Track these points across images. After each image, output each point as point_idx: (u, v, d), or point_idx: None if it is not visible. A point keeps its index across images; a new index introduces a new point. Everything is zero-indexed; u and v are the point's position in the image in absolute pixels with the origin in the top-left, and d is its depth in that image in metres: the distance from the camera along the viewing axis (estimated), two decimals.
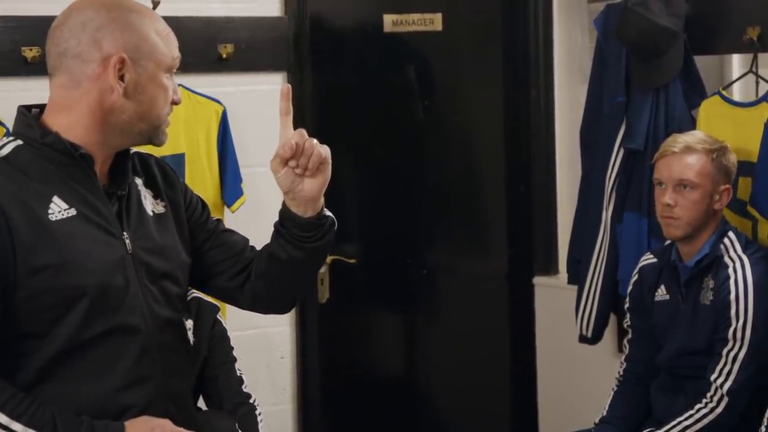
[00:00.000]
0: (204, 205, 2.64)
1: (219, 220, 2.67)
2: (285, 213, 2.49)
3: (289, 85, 2.46)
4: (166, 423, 2.35)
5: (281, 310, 2.71)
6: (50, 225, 2.26)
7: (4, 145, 2.34)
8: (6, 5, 3.92)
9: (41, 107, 2.40)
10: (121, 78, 2.32)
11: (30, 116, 2.36)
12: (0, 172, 2.29)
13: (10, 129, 3.81)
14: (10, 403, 2.23)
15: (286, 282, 2.58)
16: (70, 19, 2.35)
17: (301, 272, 2.57)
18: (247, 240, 2.66)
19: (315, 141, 2.41)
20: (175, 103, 2.42)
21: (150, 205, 2.47)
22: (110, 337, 2.31)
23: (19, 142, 2.33)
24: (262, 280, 2.56)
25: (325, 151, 2.42)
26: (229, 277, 2.59)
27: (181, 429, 2.36)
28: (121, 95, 2.32)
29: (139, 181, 2.47)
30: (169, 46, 2.38)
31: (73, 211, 2.30)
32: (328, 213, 2.51)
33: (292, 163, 2.40)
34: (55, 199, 2.29)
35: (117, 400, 2.32)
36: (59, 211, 2.28)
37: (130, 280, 2.35)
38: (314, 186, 2.43)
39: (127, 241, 2.36)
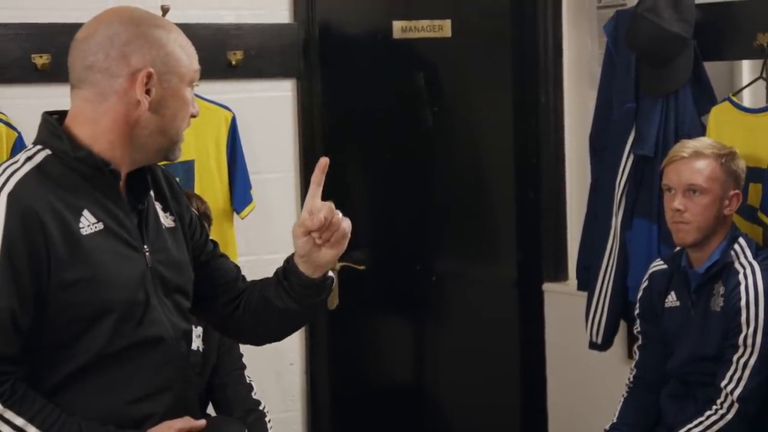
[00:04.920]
0: (203, 225, 2.66)
1: (216, 244, 2.68)
2: (291, 269, 2.52)
3: (327, 159, 2.47)
4: (186, 419, 2.37)
5: (258, 344, 2.79)
6: (81, 239, 2.27)
7: (35, 154, 2.33)
8: (16, 13, 3.93)
9: (60, 113, 2.40)
10: (147, 92, 2.32)
11: (57, 126, 2.35)
12: (36, 183, 2.28)
13: (22, 133, 3.85)
14: (40, 416, 2.24)
15: (275, 325, 2.63)
16: (97, 33, 2.34)
17: (292, 321, 2.64)
18: (239, 269, 2.69)
19: (340, 215, 2.44)
20: (193, 116, 2.43)
21: (161, 218, 2.48)
22: (136, 350, 2.33)
23: (48, 152, 2.33)
24: (251, 316, 2.59)
25: (347, 225, 2.46)
26: (221, 304, 2.62)
27: (202, 421, 2.39)
28: (147, 109, 2.33)
29: (151, 193, 2.48)
30: (191, 60, 2.39)
31: (100, 225, 2.31)
32: (331, 273, 2.54)
33: (315, 234, 2.43)
34: (86, 212, 2.30)
35: (137, 410, 2.34)
36: (89, 225, 2.29)
37: (149, 294, 2.36)
38: (330, 255, 2.47)
39: (147, 255, 2.38)
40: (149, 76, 2.32)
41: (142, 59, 2.32)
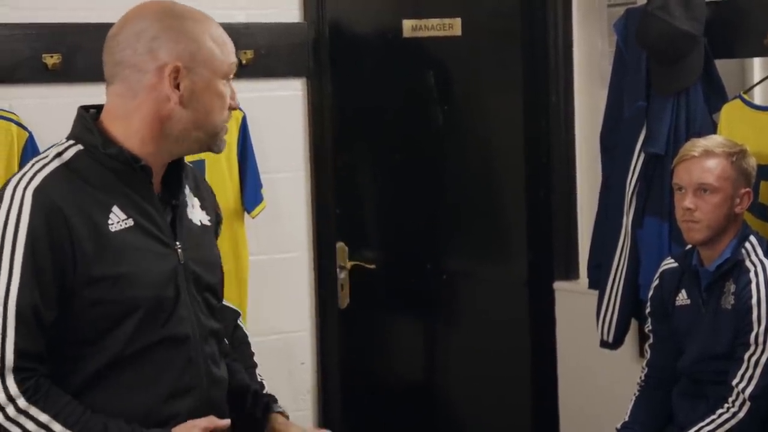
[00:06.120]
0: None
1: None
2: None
3: None
4: (211, 418, 2.37)
5: None
6: (109, 236, 2.28)
7: (65, 150, 2.34)
8: (26, 13, 3.94)
9: (98, 107, 2.40)
10: (177, 87, 2.32)
11: (90, 121, 2.36)
12: (63, 180, 2.29)
13: (33, 134, 3.87)
14: (64, 412, 2.25)
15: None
16: (125, 28, 2.34)
17: None
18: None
19: None
20: (232, 108, 2.42)
21: (198, 214, 2.49)
22: (159, 347, 2.33)
23: (80, 147, 2.34)
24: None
25: None
26: None
27: (227, 421, 2.40)
28: (177, 104, 2.33)
29: (187, 186, 2.48)
30: (225, 52, 2.38)
31: (130, 222, 2.31)
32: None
33: None
34: (115, 209, 2.31)
35: (163, 409, 2.34)
36: (118, 222, 2.30)
37: (180, 290, 2.37)
38: None
39: (180, 251, 2.38)
40: (177, 70, 2.31)
41: (170, 53, 2.31)
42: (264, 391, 2.70)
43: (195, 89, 2.33)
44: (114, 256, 2.28)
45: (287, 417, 2.65)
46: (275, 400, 2.68)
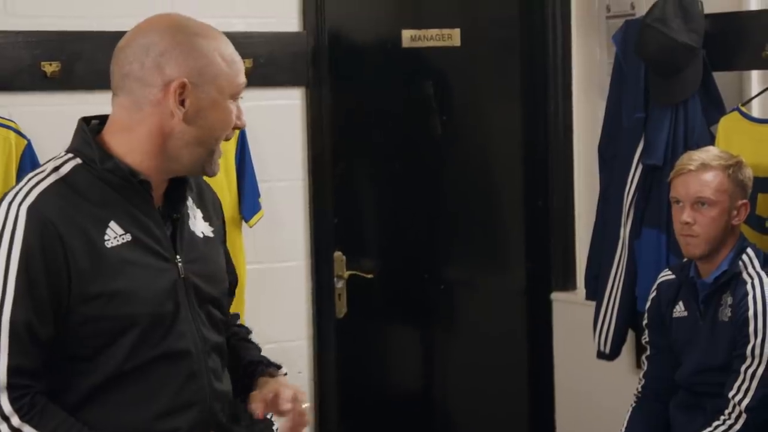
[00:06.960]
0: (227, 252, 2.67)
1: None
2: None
3: None
4: None
5: None
6: (105, 253, 2.26)
7: (63, 164, 2.32)
8: (26, 20, 3.94)
9: (100, 118, 2.39)
10: (182, 103, 2.30)
11: (89, 134, 2.34)
12: (59, 196, 2.27)
13: (32, 141, 3.87)
14: (60, 431, 2.23)
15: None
16: (135, 41, 2.32)
17: None
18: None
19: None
20: (237, 127, 2.39)
21: (201, 225, 2.47)
22: (159, 363, 2.32)
23: (78, 161, 2.32)
24: None
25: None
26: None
27: None
28: (181, 120, 2.30)
29: (190, 198, 2.46)
30: (233, 71, 2.36)
31: (128, 237, 2.29)
32: None
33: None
34: (112, 224, 2.28)
35: (162, 425, 2.32)
36: (115, 237, 2.28)
37: (180, 305, 2.35)
38: None
39: (180, 265, 2.36)
40: (183, 86, 2.29)
41: (177, 69, 2.29)
42: (258, 360, 2.65)
43: (200, 106, 2.31)
44: (110, 273, 2.25)
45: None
46: (270, 365, 2.64)
